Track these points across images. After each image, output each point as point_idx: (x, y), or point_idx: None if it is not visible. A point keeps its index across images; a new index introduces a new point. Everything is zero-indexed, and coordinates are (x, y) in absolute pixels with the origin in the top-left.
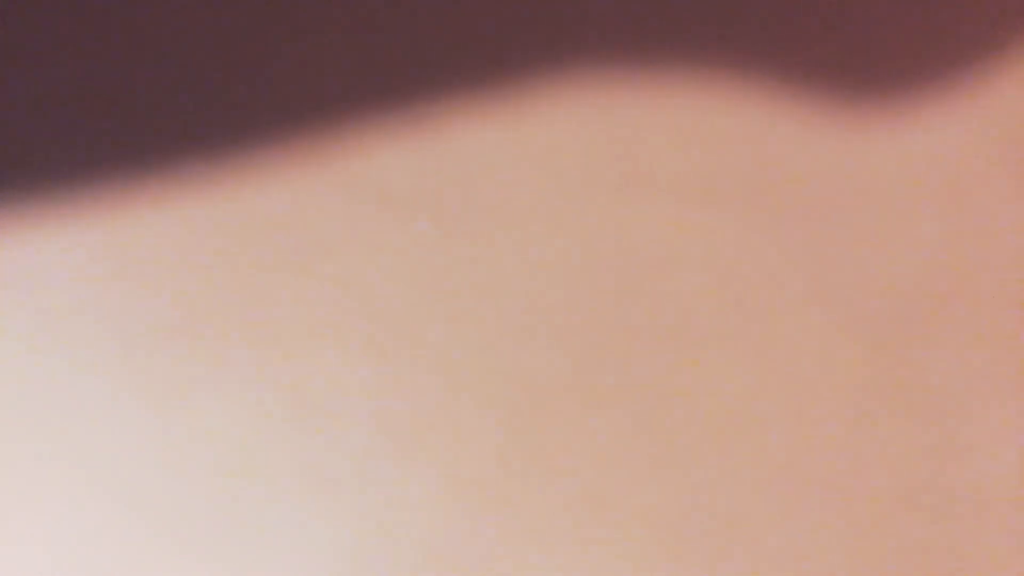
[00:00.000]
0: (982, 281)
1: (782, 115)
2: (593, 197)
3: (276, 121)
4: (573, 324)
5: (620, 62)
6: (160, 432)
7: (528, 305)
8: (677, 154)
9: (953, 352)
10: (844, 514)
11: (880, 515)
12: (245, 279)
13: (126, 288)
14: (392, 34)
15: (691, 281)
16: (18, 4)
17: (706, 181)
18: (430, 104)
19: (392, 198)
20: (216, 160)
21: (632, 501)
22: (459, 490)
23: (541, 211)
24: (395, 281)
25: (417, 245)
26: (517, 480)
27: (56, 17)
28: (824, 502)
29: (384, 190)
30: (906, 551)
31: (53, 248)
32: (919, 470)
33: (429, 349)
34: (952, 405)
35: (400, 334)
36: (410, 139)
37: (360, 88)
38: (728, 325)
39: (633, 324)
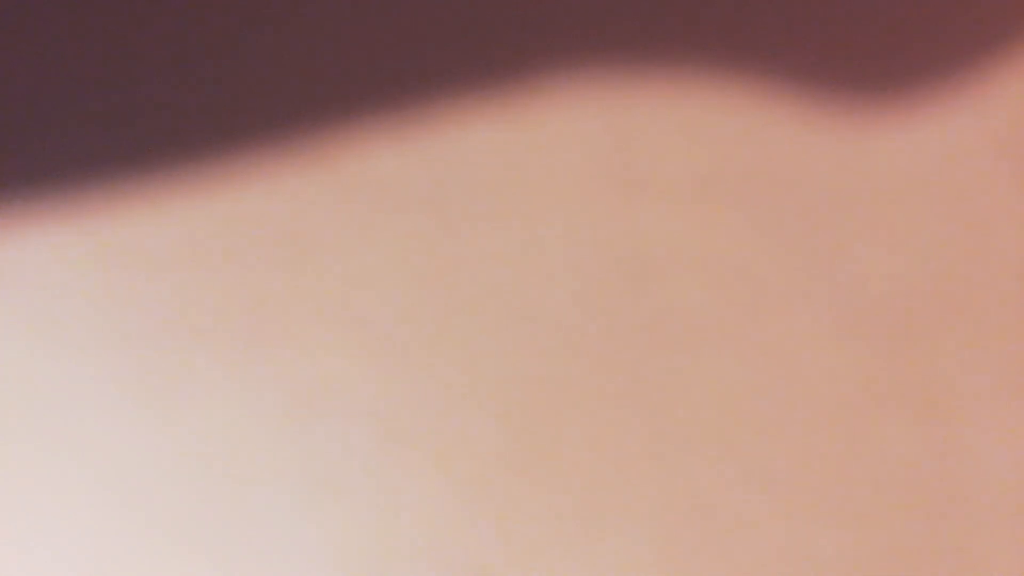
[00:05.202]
0: (982, 281)
1: (782, 115)
2: (593, 197)
3: (275, 121)
4: (573, 324)
5: (620, 62)
6: (160, 432)
7: (528, 304)
8: (678, 154)
9: (953, 352)
10: (844, 514)
11: (880, 515)
12: (245, 279)
13: (126, 288)
14: (392, 34)
15: (691, 280)
16: (18, 4)
17: (706, 181)
18: (430, 104)
19: (392, 198)
20: (216, 160)
21: (633, 501)
22: (460, 490)
23: (541, 211)
24: (395, 281)
25: (418, 245)
26: (518, 480)
27: (56, 17)
28: (824, 502)
29: (384, 190)
30: (906, 551)
31: (53, 248)
32: (919, 470)
33: (430, 349)
34: (952, 405)
35: (401, 334)
36: (410, 139)
37: (360, 88)
38: (728, 324)
39: (633, 323)
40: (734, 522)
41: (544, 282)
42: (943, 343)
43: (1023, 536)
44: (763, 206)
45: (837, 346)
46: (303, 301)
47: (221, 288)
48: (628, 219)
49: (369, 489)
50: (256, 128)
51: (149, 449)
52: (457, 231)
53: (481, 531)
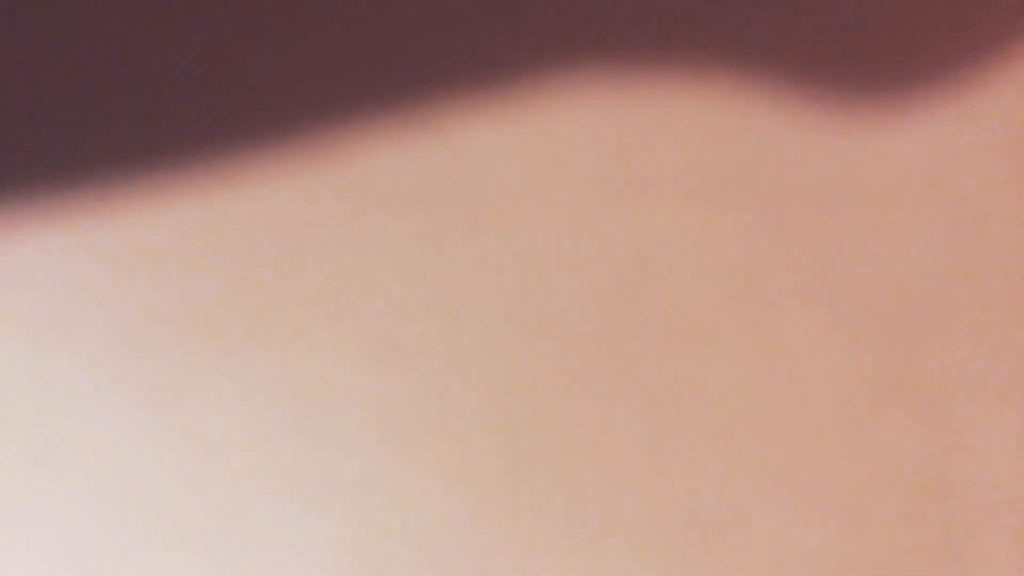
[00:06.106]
0: (982, 281)
1: (783, 115)
2: (593, 197)
3: (275, 121)
4: (574, 323)
5: (621, 62)
6: (160, 432)
7: (528, 304)
8: (678, 154)
9: (953, 352)
10: (844, 513)
11: (880, 514)
12: (245, 279)
13: (126, 288)
14: (392, 34)
15: (691, 280)
16: (18, 4)
17: (707, 181)
18: (430, 104)
19: (391, 198)
20: (216, 160)
21: (633, 501)
22: (461, 491)
23: (541, 211)
24: (395, 281)
25: (417, 245)
26: (518, 480)
27: (56, 17)
28: (824, 501)
29: (383, 190)
30: (906, 550)
31: (53, 248)
32: (919, 470)
33: (430, 349)
34: (952, 405)
35: (400, 334)
36: (410, 139)
37: (360, 88)
38: (729, 324)
39: (633, 323)
40: (734, 522)
41: (544, 282)
42: (943, 343)
43: (1023, 536)
44: (763, 206)
45: (836, 346)
46: (303, 301)
47: (221, 288)
48: (628, 219)
49: (369, 489)
50: (256, 128)
51: (149, 449)
52: (457, 231)
53: (481, 531)
